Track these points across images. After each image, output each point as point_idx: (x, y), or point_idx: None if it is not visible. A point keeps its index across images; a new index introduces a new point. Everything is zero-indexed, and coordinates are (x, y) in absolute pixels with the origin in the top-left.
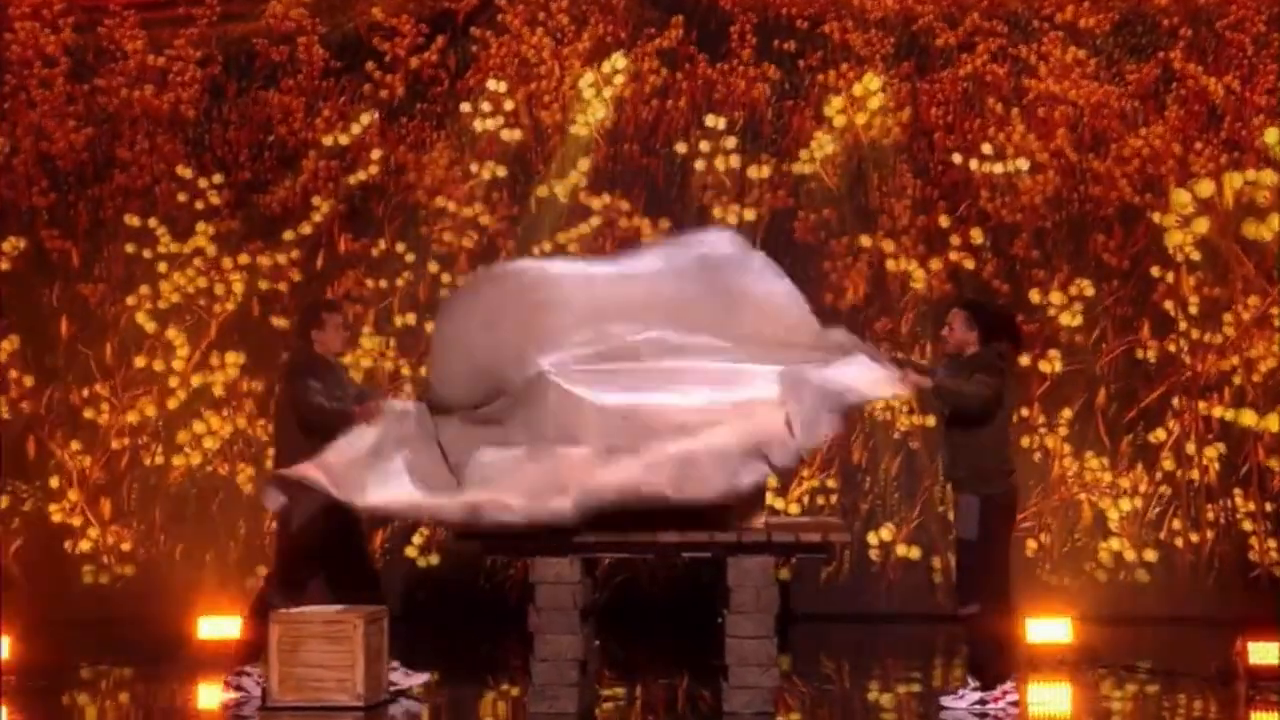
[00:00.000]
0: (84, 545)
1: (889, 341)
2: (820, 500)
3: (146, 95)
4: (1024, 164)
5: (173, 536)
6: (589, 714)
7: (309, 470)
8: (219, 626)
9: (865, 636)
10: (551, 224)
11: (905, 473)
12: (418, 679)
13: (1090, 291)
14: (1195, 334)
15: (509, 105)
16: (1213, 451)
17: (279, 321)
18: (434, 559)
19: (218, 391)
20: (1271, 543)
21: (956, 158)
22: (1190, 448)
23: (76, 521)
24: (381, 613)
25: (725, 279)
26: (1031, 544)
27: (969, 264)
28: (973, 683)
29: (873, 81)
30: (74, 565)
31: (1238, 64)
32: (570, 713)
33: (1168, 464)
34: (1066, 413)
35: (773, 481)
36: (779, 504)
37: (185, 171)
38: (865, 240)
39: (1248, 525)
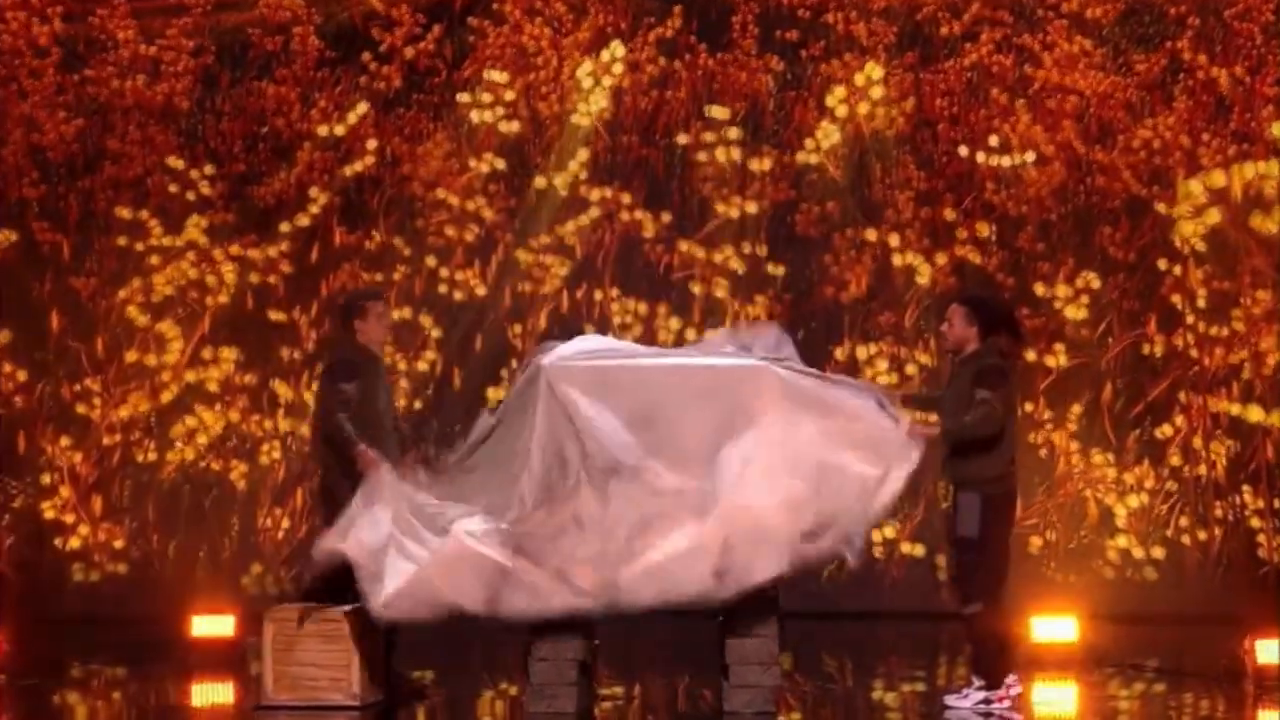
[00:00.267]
0: (74, 542)
1: (893, 335)
2: None
3: (139, 86)
4: (1030, 156)
5: (165, 534)
6: (588, 714)
7: (344, 548)
8: (212, 625)
9: (868, 634)
10: (550, 216)
11: None
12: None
13: (1096, 285)
14: (1203, 328)
15: (507, 96)
16: (1220, 447)
17: (275, 315)
18: None
19: (211, 387)
20: None
21: (961, 149)
22: (1198, 443)
23: (68, 519)
24: None
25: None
26: (1036, 541)
27: (974, 258)
28: (977, 682)
29: (875, 71)
30: (65, 563)
31: (1246, 54)
32: (569, 712)
33: (1175, 460)
34: (1073, 408)
35: None
36: None
37: (177, 163)
38: (869, 233)
39: (1256, 522)
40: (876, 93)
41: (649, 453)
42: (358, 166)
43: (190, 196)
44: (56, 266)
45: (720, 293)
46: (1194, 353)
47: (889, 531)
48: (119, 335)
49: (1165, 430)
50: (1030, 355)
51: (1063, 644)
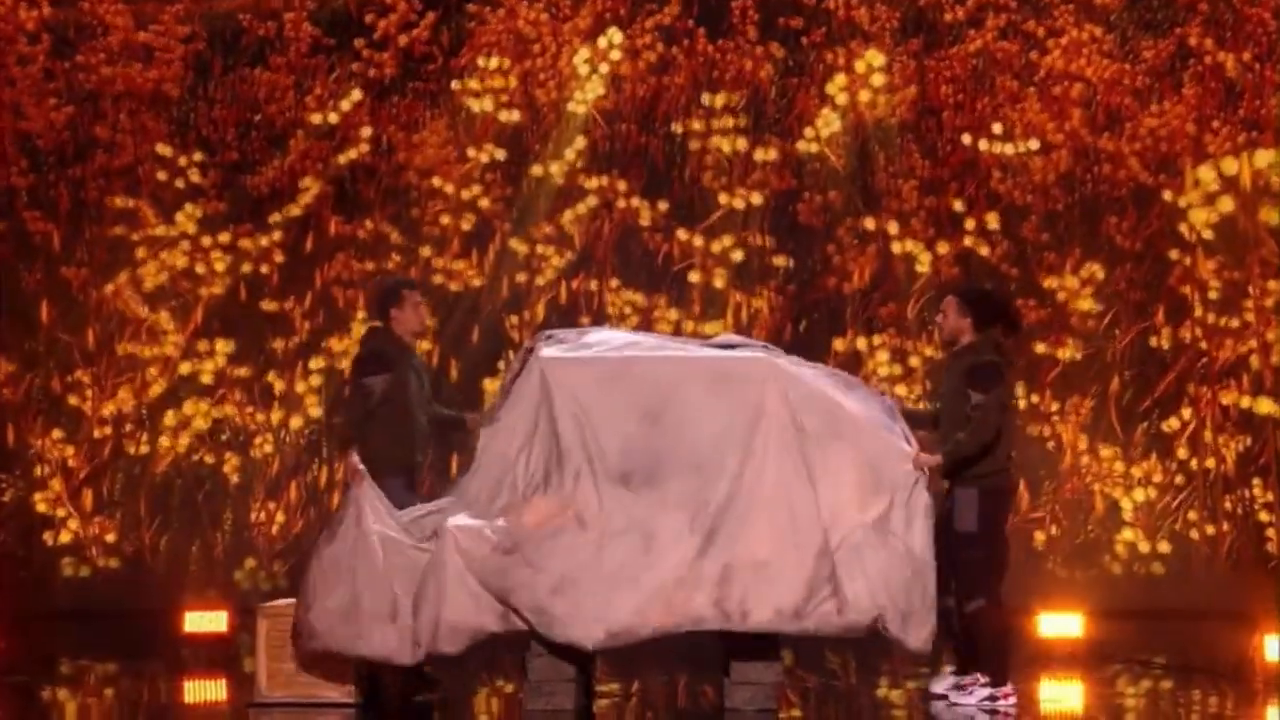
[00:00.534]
0: (65, 537)
1: (895, 326)
2: None
3: (130, 73)
4: (1034, 144)
5: (157, 528)
6: (586, 711)
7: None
8: (204, 621)
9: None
10: (547, 205)
11: None
12: None
13: (1102, 275)
14: (1211, 319)
15: (504, 83)
16: (1230, 440)
17: (268, 305)
18: None
19: (205, 378)
20: None
21: (966, 138)
22: (1207, 436)
23: (59, 512)
24: None
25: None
26: (1040, 536)
27: (980, 248)
28: (981, 679)
29: (876, 58)
30: (56, 557)
31: (1256, 40)
32: (567, 709)
33: (1183, 453)
34: (1079, 401)
35: None
36: None
37: (167, 150)
38: (871, 223)
39: (1265, 516)
40: (878, 80)
41: (653, 455)
42: (352, 154)
43: (181, 185)
44: (47, 256)
45: (719, 283)
46: (1202, 344)
47: None
48: (110, 326)
49: (1173, 423)
50: (1039, 348)
51: (1069, 639)
